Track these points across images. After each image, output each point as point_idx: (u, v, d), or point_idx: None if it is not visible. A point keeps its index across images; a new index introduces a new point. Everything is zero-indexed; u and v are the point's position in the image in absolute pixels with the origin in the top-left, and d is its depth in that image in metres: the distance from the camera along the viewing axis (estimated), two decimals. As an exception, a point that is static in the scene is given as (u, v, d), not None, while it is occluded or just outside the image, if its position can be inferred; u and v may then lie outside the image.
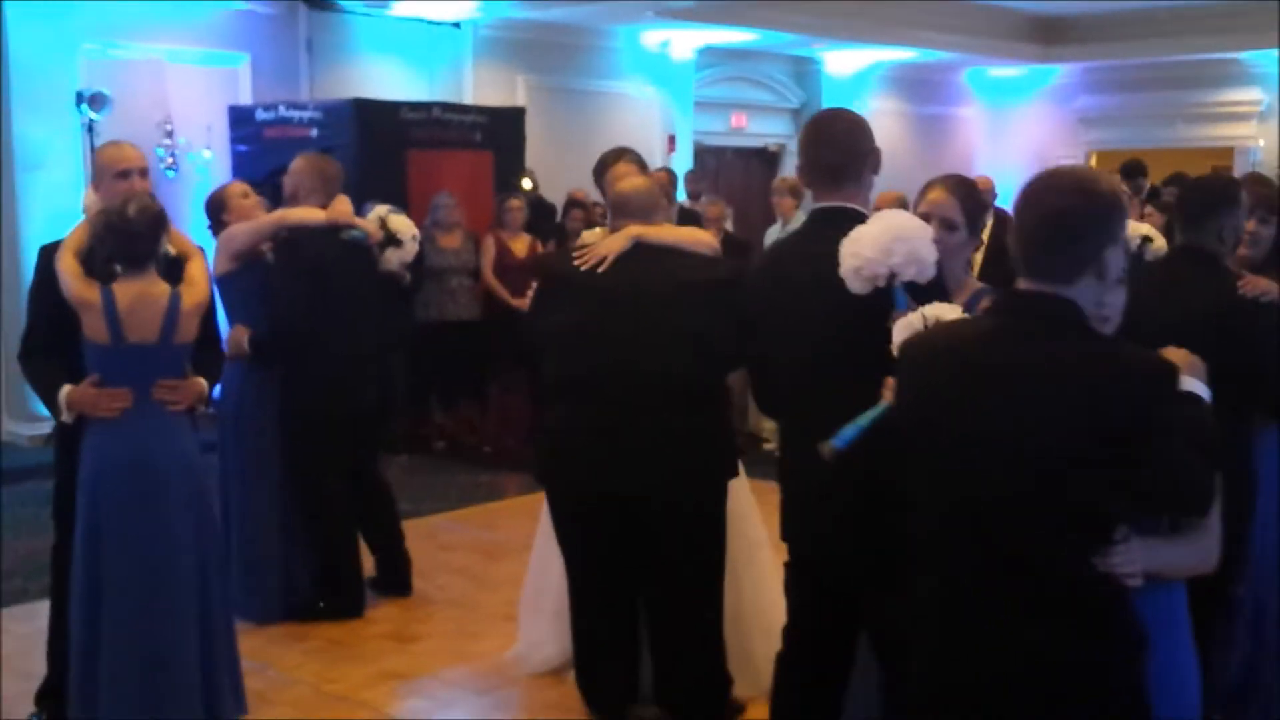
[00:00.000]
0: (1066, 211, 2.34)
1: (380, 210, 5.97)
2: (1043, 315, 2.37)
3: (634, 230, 4.00)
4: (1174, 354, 2.43)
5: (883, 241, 3.03)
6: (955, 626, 2.44)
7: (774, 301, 3.39)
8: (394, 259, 5.87)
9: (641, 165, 4.64)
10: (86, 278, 3.94)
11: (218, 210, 5.63)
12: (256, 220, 5.45)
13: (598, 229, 4.31)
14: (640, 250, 3.96)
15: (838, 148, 3.34)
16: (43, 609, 4.54)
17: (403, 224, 5.94)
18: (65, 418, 3.99)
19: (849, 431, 2.94)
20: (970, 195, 3.37)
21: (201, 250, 4.32)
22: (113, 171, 4.24)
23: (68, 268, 3.95)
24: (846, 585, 3.31)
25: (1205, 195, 3.86)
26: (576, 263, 3.99)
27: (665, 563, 4.04)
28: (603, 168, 4.62)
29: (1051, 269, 2.37)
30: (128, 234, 3.92)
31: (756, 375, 3.63)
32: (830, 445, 2.97)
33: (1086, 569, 2.32)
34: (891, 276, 3.03)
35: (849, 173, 3.33)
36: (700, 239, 4.21)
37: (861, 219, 3.19)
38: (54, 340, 4.03)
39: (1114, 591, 2.35)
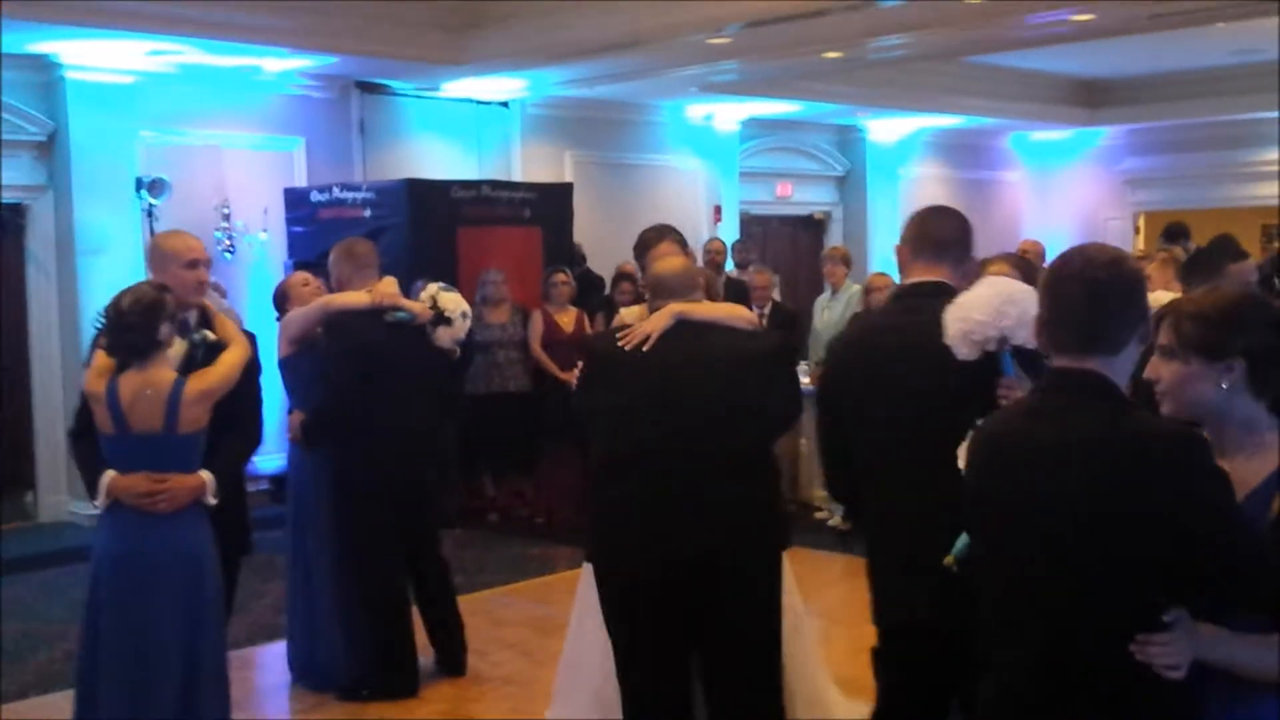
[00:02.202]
0: (1105, 284, 2.38)
1: (431, 289, 6.06)
2: (1078, 391, 2.39)
3: (676, 308, 4.05)
4: None
5: (994, 304, 3.04)
6: (1012, 716, 2.43)
7: (865, 376, 3.43)
8: (445, 336, 5.93)
9: (682, 244, 4.73)
10: (101, 370, 4.03)
11: (282, 300, 5.89)
12: (308, 306, 5.60)
13: (636, 308, 4.38)
14: (682, 327, 4.02)
15: (950, 226, 3.46)
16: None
17: (453, 301, 5.99)
18: (98, 503, 4.07)
19: (962, 542, 2.90)
20: (1029, 274, 3.40)
21: (246, 338, 4.39)
22: (181, 261, 4.38)
23: (95, 362, 4.08)
24: (943, 662, 3.27)
25: (1210, 255, 3.87)
26: (620, 342, 4.06)
27: (723, 633, 4.01)
28: (644, 247, 4.72)
29: (1094, 342, 2.38)
30: (122, 326, 3.99)
31: (828, 454, 3.65)
32: (955, 555, 2.93)
33: (1126, 658, 2.26)
34: (1002, 340, 3.03)
35: (954, 251, 3.42)
36: (740, 314, 4.28)
37: (954, 294, 3.22)
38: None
39: (1161, 686, 2.25)
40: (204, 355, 4.21)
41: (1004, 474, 2.44)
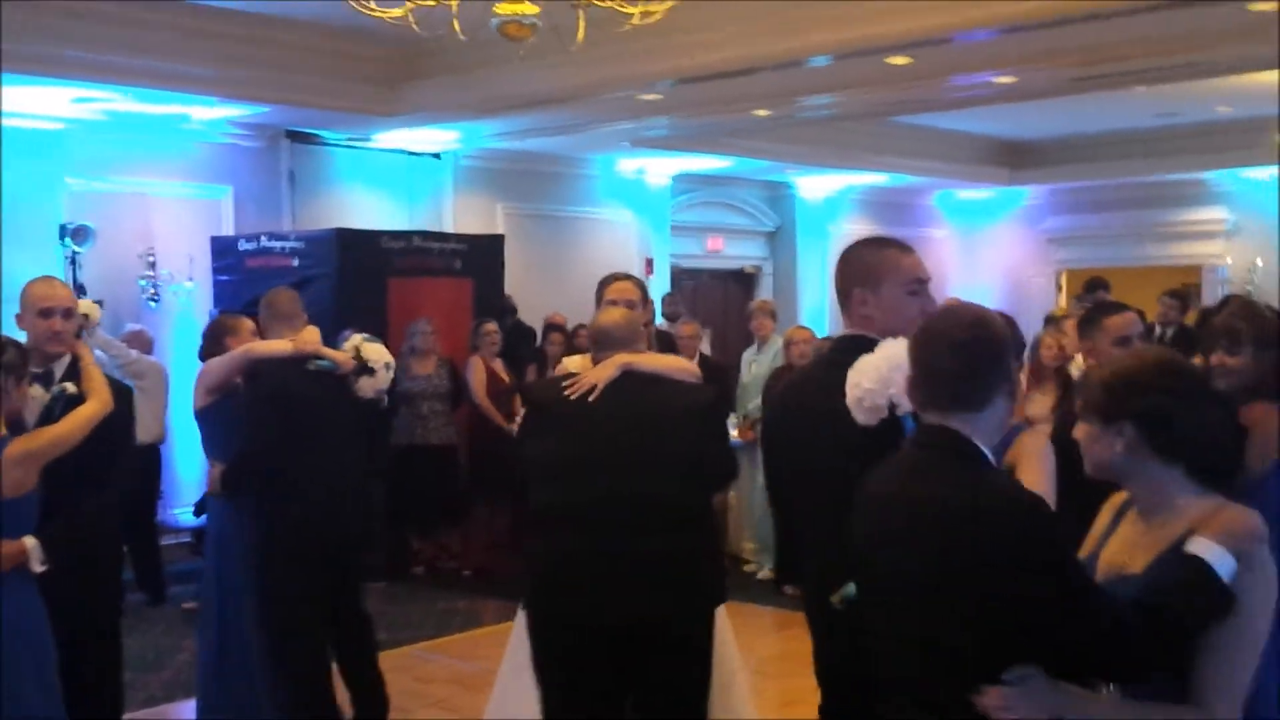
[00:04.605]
0: (967, 344, 2.43)
1: (355, 339, 5.99)
2: (939, 449, 2.44)
3: (622, 358, 4.05)
4: (1226, 516, 2.32)
5: (882, 371, 3.02)
6: None
7: (786, 432, 3.44)
8: (368, 387, 5.87)
9: (641, 288, 4.70)
10: None
11: (221, 335, 5.70)
12: (228, 354, 5.50)
13: (579, 357, 4.37)
14: (627, 379, 4.02)
15: (839, 274, 3.38)
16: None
17: (376, 352, 5.92)
18: None
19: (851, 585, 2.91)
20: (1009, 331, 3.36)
21: (110, 393, 4.19)
22: (34, 310, 4.26)
23: None
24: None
25: (1089, 313, 3.93)
26: (566, 392, 4.04)
27: (654, 688, 4.00)
28: (602, 286, 4.72)
29: (957, 400, 2.43)
30: None
31: (774, 504, 3.65)
32: (841, 594, 2.95)
33: (970, 711, 2.28)
34: (893, 405, 3.01)
35: (846, 300, 3.35)
36: (684, 367, 4.30)
37: (871, 346, 3.17)
38: None
39: None
40: (62, 409, 4.05)
41: (873, 524, 2.51)
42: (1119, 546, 2.48)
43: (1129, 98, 11.17)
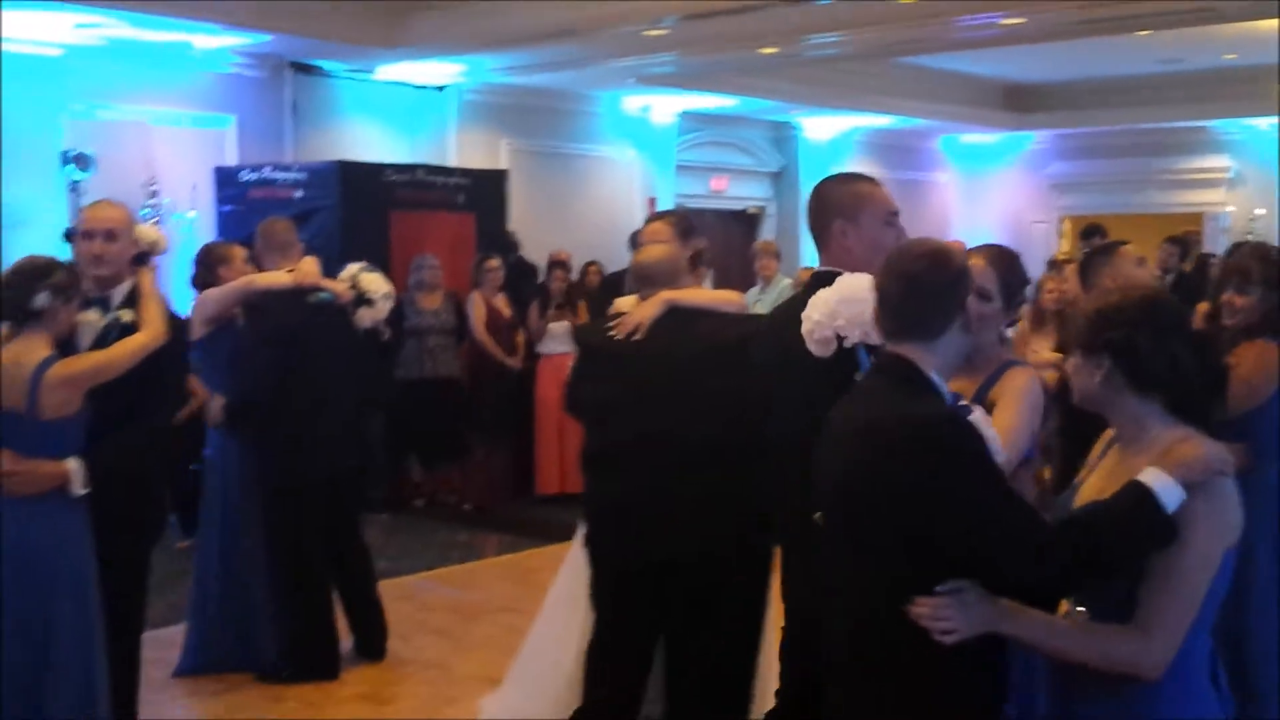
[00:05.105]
0: (918, 275, 2.56)
1: (352, 269, 5.98)
2: (888, 374, 2.57)
3: (666, 295, 4.05)
4: (1184, 448, 2.36)
5: (830, 304, 3.10)
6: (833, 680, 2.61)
7: (777, 369, 3.47)
8: (366, 317, 5.86)
9: (682, 228, 4.53)
10: None
11: (215, 264, 5.68)
12: (227, 285, 5.49)
13: (629, 297, 4.34)
14: (673, 315, 4.02)
15: (814, 210, 3.47)
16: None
17: (374, 282, 5.91)
18: None
19: None
20: (1011, 268, 3.34)
21: (166, 324, 4.15)
22: (80, 231, 4.26)
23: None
24: None
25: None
26: (612, 332, 4.06)
27: (699, 627, 4.04)
28: (638, 231, 4.71)
29: (909, 329, 2.56)
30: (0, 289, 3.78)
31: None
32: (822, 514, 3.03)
33: (916, 631, 2.37)
34: (839, 338, 3.09)
35: (824, 234, 3.40)
36: (728, 299, 4.27)
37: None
38: None
39: (955, 659, 2.36)
40: (117, 336, 4.03)
41: (825, 448, 2.63)
42: (1099, 477, 2.55)
43: (1135, 43, 11.11)
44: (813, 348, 3.13)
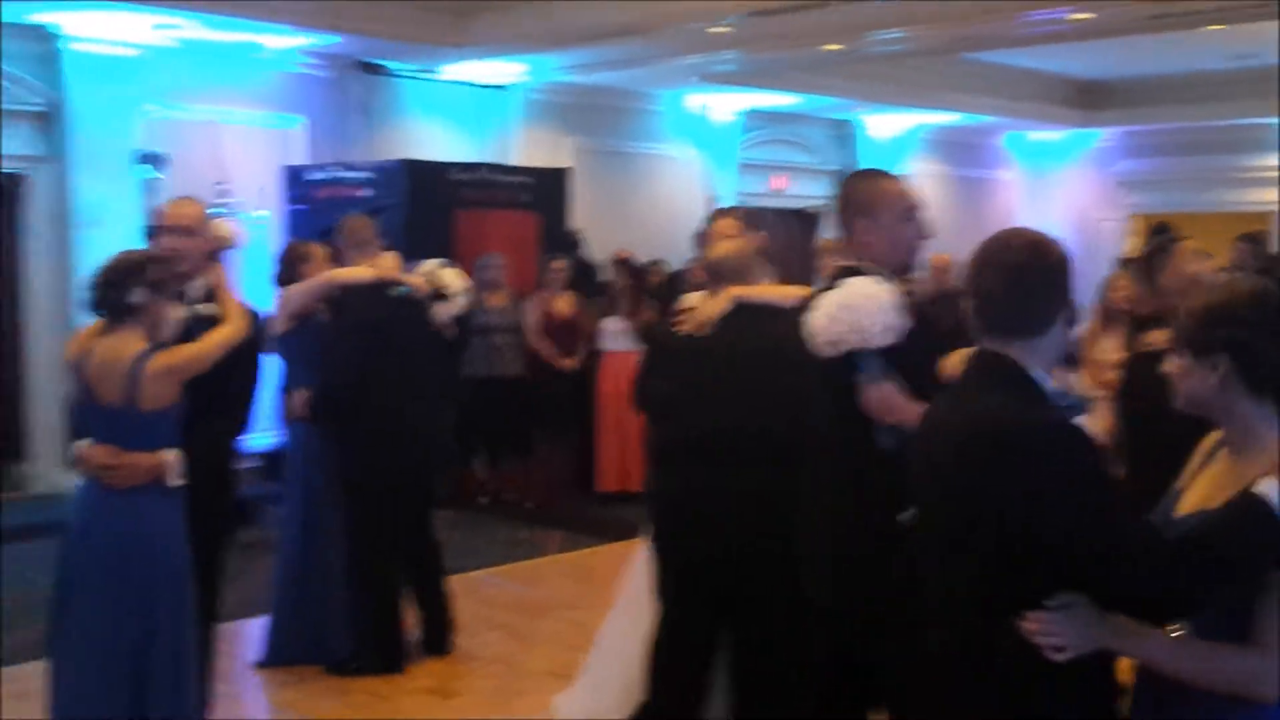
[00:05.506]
0: (1025, 268, 2.40)
1: (430, 264, 6.06)
2: (988, 374, 2.43)
3: (734, 291, 4.06)
4: None
5: (830, 310, 3.12)
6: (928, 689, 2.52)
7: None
8: (443, 313, 5.95)
9: (751, 222, 4.63)
10: (85, 335, 3.89)
11: (297, 261, 5.78)
12: (309, 281, 5.60)
13: (697, 292, 4.35)
14: (742, 311, 4.03)
15: (839, 209, 3.45)
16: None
17: (451, 278, 6.01)
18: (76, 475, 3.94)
19: None
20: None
21: (246, 318, 4.22)
22: (159, 227, 4.36)
23: (88, 325, 3.96)
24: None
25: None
26: (680, 328, 4.08)
27: (762, 627, 4.05)
28: (706, 225, 4.73)
29: (1011, 325, 2.41)
30: (94, 286, 3.84)
31: None
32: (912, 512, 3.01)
33: (1019, 643, 2.26)
34: (839, 343, 3.11)
35: (848, 232, 3.41)
36: (797, 294, 4.23)
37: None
38: None
39: (1060, 673, 2.25)
40: (198, 329, 4.09)
41: (921, 449, 2.53)
42: (1207, 485, 2.38)
43: (1204, 39, 10.95)
44: (818, 347, 3.16)
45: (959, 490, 2.35)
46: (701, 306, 4.10)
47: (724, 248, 4.25)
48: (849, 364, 3.13)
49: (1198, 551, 2.17)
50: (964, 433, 2.36)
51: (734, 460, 3.93)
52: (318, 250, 5.91)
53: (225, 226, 4.72)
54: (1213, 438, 2.45)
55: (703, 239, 4.71)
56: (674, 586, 4.16)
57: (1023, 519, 2.24)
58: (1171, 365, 2.39)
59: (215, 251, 4.49)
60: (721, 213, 4.74)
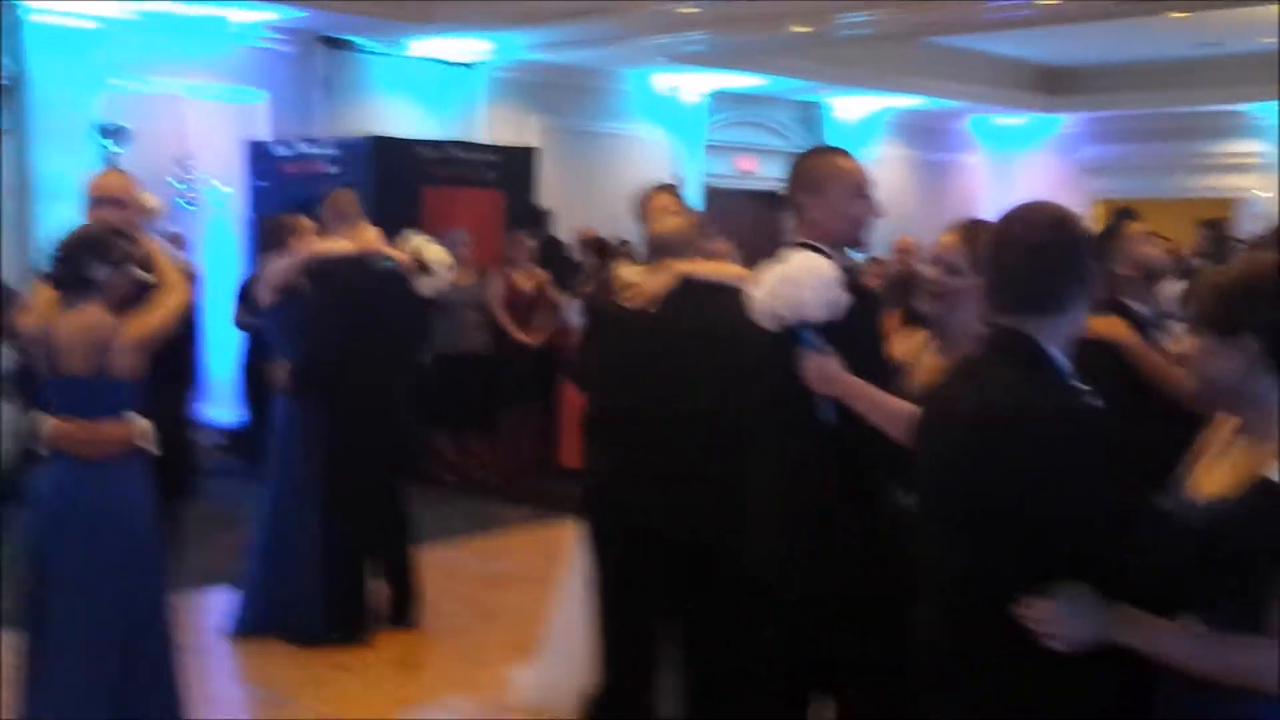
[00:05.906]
0: (1048, 245, 2.32)
1: (415, 240, 6.07)
2: (1002, 352, 2.34)
3: (682, 267, 4.00)
4: None
5: (770, 284, 3.12)
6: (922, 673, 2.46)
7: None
8: (428, 287, 5.97)
9: (681, 201, 4.64)
10: (41, 308, 3.89)
11: (284, 234, 5.74)
12: (292, 254, 5.58)
13: (637, 266, 4.32)
14: (688, 288, 3.99)
15: (788, 185, 3.40)
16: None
17: (436, 253, 6.04)
18: (43, 450, 3.93)
19: None
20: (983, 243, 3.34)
21: (187, 282, 4.23)
22: (89, 199, 4.34)
23: (36, 298, 3.97)
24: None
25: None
26: (624, 301, 4.04)
27: (703, 605, 4.01)
28: (645, 200, 4.69)
29: (1029, 302, 2.32)
30: (54, 258, 3.87)
31: None
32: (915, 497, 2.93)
33: (1019, 629, 2.19)
34: (779, 317, 3.11)
35: (797, 209, 3.37)
36: (743, 274, 4.21)
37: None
38: None
39: (1057, 663, 2.17)
40: (138, 295, 4.05)
41: (927, 429, 2.47)
42: (1224, 470, 2.24)
43: (1169, 25, 11.03)
44: (760, 320, 3.17)
45: (966, 472, 2.28)
46: (644, 281, 4.06)
47: (670, 223, 4.19)
48: (790, 337, 3.12)
49: (1211, 540, 2.10)
50: (976, 412, 2.28)
51: (670, 436, 3.87)
52: (306, 224, 5.88)
53: (151, 197, 4.72)
54: (1224, 422, 2.33)
55: (640, 213, 4.68)
56: (610, 564, 4.09)
57: (1032, 503, 2.17)
58: (1188, 346, 2.29)
59: (143, 221, 4.50)
60: (659, 188, 4.72)
